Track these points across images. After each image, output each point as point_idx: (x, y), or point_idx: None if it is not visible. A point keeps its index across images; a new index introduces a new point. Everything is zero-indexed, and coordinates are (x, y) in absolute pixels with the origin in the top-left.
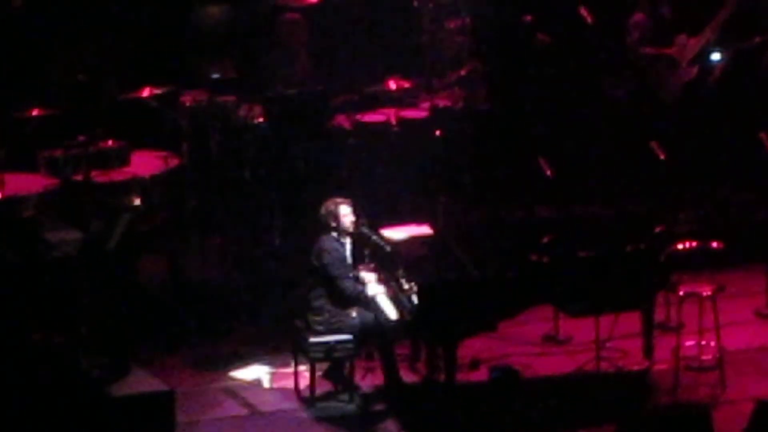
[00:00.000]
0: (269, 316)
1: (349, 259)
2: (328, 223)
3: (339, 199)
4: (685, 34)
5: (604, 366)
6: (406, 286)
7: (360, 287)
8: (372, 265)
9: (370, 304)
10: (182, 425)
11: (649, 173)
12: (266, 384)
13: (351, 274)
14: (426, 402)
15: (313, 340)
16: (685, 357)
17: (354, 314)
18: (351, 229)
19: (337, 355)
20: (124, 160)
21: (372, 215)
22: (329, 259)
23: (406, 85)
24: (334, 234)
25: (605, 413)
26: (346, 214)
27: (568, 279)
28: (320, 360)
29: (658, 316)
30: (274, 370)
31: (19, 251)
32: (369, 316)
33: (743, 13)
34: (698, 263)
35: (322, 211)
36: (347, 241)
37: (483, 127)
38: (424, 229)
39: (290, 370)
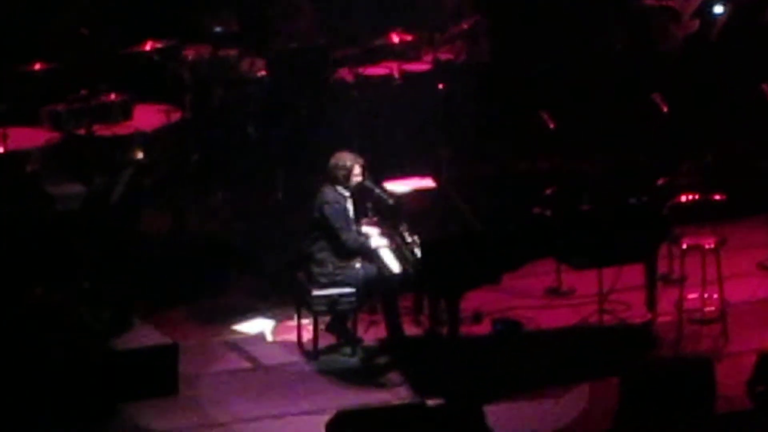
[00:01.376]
0: (272, 269)
1: (351, 212)
2: (338, 176)
3: (354, 156)
4: None
5: (606, 319)
6: (408, 239)
7: (362, 239)
8: (375, 219)
9: (372, 256)
10: (185, 378)
11: (651, 125)
12: (269, 337)
13: (353, 227)
14: (429, 355)
15: (316, 293)
16: (688, 309)
17: (358, 266)
18: (355, 189)
19: (340, 308)
20: (126, 114)
21: (375, 168)
22: (331, 211)
23: (409, 38)
24: (339, 187)
25: (608, 366)
26: (357, 174)
27: (571, 232)
28: (323, 313)
29: (661, 268)
30: (276, 324)
31: (22, 205)
32: (372, 269)
33: None
34: (701, 215)
35: (334, 161)
36: (349, 195)
37: (485, 80)
38: (427, 182)
39: (293, 323)
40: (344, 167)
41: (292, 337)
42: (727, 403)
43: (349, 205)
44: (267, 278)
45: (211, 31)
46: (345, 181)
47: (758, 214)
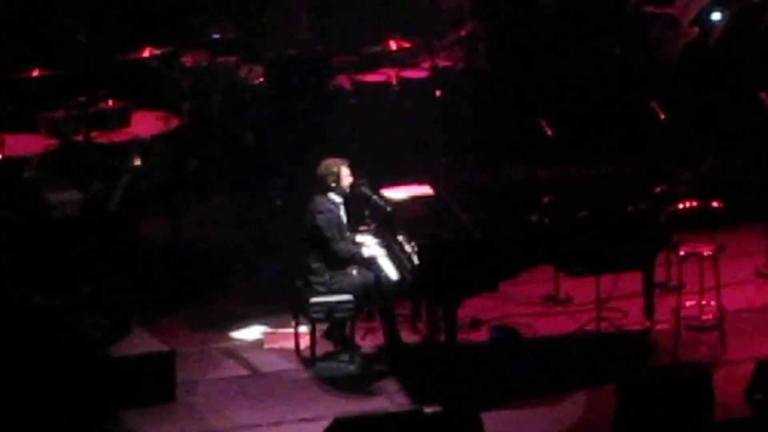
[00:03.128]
0: (270, 276)
1: (344, 219)
2: (328, 183)
3: (339, 160)
4: None
5: (604, 326)
6: (406, 247)
7: (353, 249)
8: (372, 226)
9: (368, 263)
10: (183, 386)
11: (649, 133)
12: (266, 344)
13: (348, 234)
14: (426, 362)
15: (313, 300)
16: (686, 317)
17: (354, 273)
18: (348, 190)
19: (337, 315)
20: (124, 121)
21: (372, 175)
22: (322, 221)
23: (407, 45)
24: (331, 194)
25: (606, 373)
26: (346, 175)
27: (569, 239)
28: (320, 320)
29: (659, 276)
30: (274, 331)
31: (20, 212)
32: (369, 275)
33: None
34: (699, 223)
35: (323, 170)
36: (341, 202)
37: (483, 87)
38: (425, 189)
39: (290, 330)
40: (332, 173)
41: (290, 344)
42: (725, 411)
43: (342, 212)
44: (265, 285)
45: (209, 37)
46: (337, 185)
47: (756, 222)
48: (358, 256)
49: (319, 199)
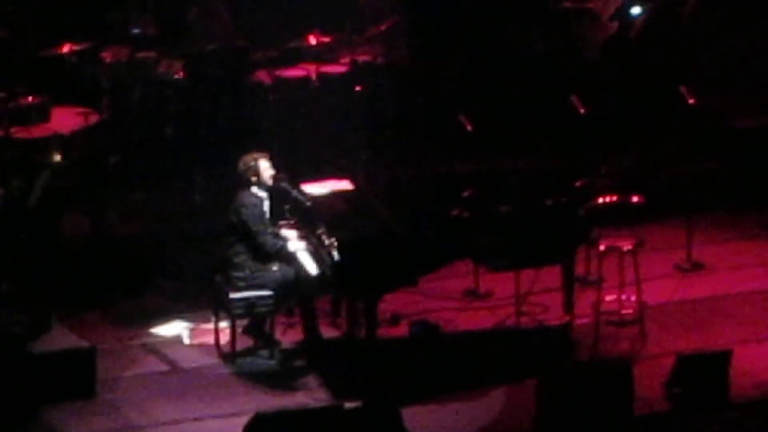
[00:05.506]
0: (190, 272)
1: (268, 214)
2: (248, 178)
3: (257, 154)
4: None
5: (524, 321)
6: (326, 242)
7: (280, 242)
8: (293, 221)
9: (290, 259)
10: (103, 382)
11: (569, 127)
12: (187, 340)
13: (270, 230)
14: (346, 357)
15: (233, 296)
16: (606, 311)
17: (275, 268)
18: (270, 183)
19: (257, 311)
20: (44, 117)
21: (292, 170)
22: (248, 215)
23: (326, 40)
24: (254, 189)
25: (526, 368)
26: (266, 167)
27: (489, 234)
28: (241, 316)
29: (579, 270)
30: (194, 327)
31: None
32: (290, 271)
33: None
34: (619, 217)
35: (241, 166)
36: (265, 196)
37: (403, 81)
38: (345, 185)
39: (211, 326)
40: (250, 167)
41: (210, 339)
42: (645, 405)
43: (266, 207)
44: (185, 281)
45: (129, 33)
46: (258, 179)
47: (676, 216)
48: (284, 251)
49: (243, 194)
